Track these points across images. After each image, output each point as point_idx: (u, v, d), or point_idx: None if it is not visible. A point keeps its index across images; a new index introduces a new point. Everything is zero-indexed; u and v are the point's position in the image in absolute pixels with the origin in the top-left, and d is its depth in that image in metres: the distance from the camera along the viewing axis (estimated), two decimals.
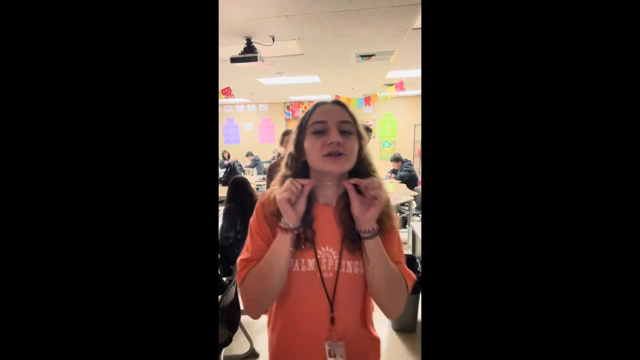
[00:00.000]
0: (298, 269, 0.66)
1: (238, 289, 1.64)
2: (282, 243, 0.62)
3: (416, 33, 2.84)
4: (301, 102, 7.99)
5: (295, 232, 0.63)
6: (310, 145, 0.65)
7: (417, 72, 4.54)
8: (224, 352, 1.57)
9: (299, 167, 0.68)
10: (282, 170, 0.72)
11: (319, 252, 0.66)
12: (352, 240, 0.65)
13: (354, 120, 0.67)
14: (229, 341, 1.48)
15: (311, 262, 0.66)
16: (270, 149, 7.57)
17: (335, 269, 0.66)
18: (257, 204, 0.71)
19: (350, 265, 0.66)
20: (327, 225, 0.68)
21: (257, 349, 1.91)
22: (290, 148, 0.71)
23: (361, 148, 0.69)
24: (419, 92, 6.77)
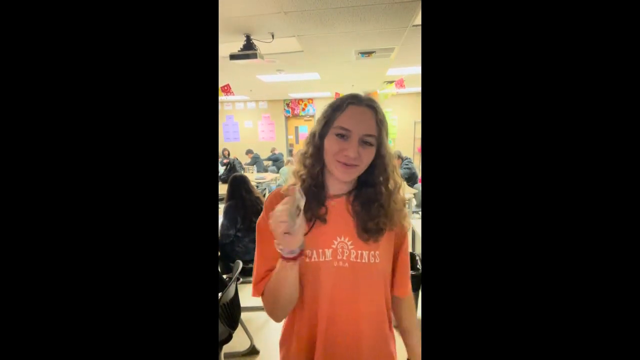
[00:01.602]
0: (317, 259, 0.66)
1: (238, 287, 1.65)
2: (288, 271, 0.60)
3: (416, 30, 2.83)
4: (301, 100, 7.97)
5: (298, 257, 0.60)
6: (330, 145, 0.65)
7: (417, 70, 4.53)
8: (224, 349, 1.58)
9: (319, 159, 0.67)
10: (303, 152, 0.70)
11: (335, 242, 0.67)
12: (365, 230, 0.66)
13: (379, 132, 0.65)
14: (229, 338, 1.49)
15: (328, 252, 0.66)
16: (270, 147, 7.58)
17: (351, 259, 0.67)
18: (267, 204, 0.69)
19: (366, 255, 0.67)
20: (340, 216, 0.68)
21: (258, 345, 1.92)
22: (315, 140, 0.68)
23: (377, 157, 0.67)
24: (419, 89, 6.75)
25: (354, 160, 0.63)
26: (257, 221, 0.71)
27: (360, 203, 0.69)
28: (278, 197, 0.68)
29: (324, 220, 0.67)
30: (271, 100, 8.12)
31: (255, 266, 0.70)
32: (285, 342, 0.74)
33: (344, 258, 0.66)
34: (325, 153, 0.66)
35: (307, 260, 0.65)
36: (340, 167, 0.64)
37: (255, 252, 0.71)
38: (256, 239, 0.71)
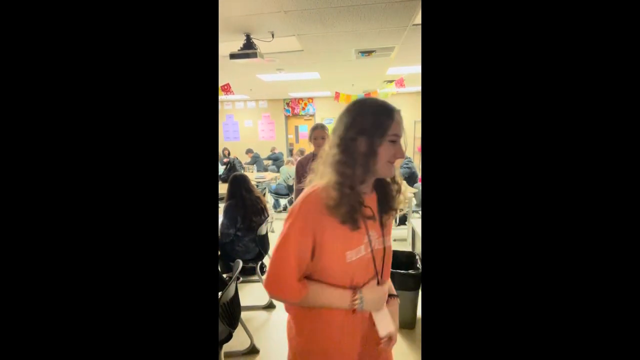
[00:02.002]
0: (354, 258, 0.75)
1: (238, 286, 1.65)
2: (343, 304, 0.74)
3: (417, 29, 2.83)
4: (301, 99, 7.96)
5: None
6: (386, 151, 0.74)
7: (417, 69, 4.53)
8: (224, 348, 1.58)
9: (365, 171, 0.73)
10: (345, 163, 0.73)
11: (366, 237, 0.77)
12: (386, 218, 0.81)
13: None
14: (229, 337, 1.49)
15: (362, 248, 0.77)
16: (270, 146, 7.58)
17: (376, 247, 0.79)
18: (305, 209, 0.72)
19: (385, 239, 0.81)
20: (372, 213, 0.78)
21: (258, 345, 1.92)
22: (362, 148, 0.72)
23: None
24: (419, 88, 6.74)
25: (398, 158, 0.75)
26: (289, 231, 0.72)
27: (383, 196, 0.82)
28: (318, 198, 0.73)
29: (373, 218, 0.77)
30: (271, 100, 8.11)
31: (285, 272, 0.73)
32: (306, 327, 0.80)
33: (372, 248, 0.78)
34: (379, 159, 0.73)
35: (348, 261, 0.74)
36: (390, 166, 0.75)
37: (284, 259, 0.72)
38: (288, 247, 0.72)
